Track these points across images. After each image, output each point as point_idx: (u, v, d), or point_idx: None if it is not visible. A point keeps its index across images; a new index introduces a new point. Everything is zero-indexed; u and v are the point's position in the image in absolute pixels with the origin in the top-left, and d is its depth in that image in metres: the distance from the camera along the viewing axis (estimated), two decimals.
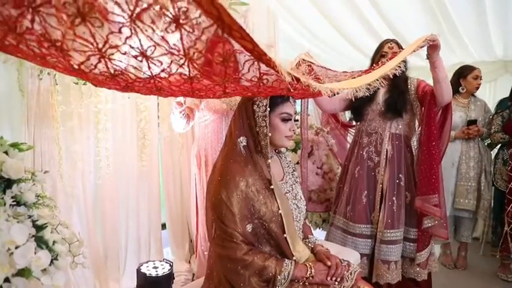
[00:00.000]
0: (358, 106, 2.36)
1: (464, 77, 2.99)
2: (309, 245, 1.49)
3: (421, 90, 2.22)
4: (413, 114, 2.31)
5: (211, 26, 0.54)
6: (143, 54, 0.64)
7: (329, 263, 1.32)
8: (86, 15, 0.49)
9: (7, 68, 1.75)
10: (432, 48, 1.90)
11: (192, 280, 2.46)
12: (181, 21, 0.52)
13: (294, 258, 1.33)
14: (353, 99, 2.33)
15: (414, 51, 1.65)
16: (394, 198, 2.23)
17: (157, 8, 0.50)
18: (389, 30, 3.67)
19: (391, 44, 2.24)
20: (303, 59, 2.22)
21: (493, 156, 3.26)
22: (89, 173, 2.13)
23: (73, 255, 1.36)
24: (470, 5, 3.21)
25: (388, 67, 1.41)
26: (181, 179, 2.72)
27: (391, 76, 2.16)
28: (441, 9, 3.31)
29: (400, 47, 2.24)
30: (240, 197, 1.26)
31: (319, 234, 2.79)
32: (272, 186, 1.33)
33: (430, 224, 2.18)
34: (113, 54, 0.65)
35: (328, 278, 1.29)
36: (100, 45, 0.60)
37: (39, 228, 1.21)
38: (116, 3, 0.50)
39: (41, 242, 1.20)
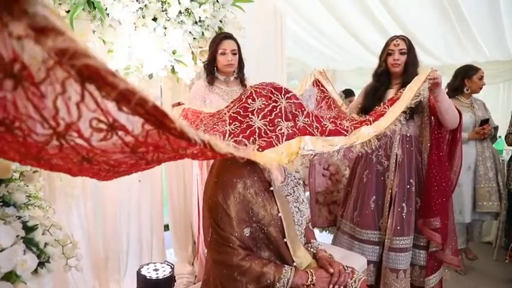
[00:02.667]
0: (367, 107, 2.28)
1: (470, 78, 2.89)
2: (311, 250, 1.42)
3: (432, 103, 2.14)
4: (424, 115, 2.21)
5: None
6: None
7: (331, 270, 1.25)
8: (92, 159, 0.52)
9: None
10: (434, 85, 1.83)
11: (194, 283, 2.41)
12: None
13: (295, 264, 1.27)
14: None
15: (417, 95, 1.56)
16: (403, 204, 2.14)
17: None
18: (399, 28, 3.58)
19: (396, 41, 2.16)
20: (318, 80, 2.18)
21: (506, 159, 3.16)
22: None
23: (66, 258, 1.32)
24: (484, 2, 3.11)
25: (390, 119, 1.34)
26: (185, 179, 2.68)
27: (401, 73, 2.15)
28: (453, 6, 3.22)
29: (407, 43, 2.15)
30: (237, 199, 1.20)
31: (325, 238, 2.73)
32: (272, 188, 1.27)
33: (434, 249, 2.12)
34: (120, 168, 0.68)
35: (330, 286, 1.22)
36: (107, 168, 0.64)
37: (29, 229, 1.17)
38: (124, 152, 0.53)
39: (31, 244, 1.15)
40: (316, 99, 2.21)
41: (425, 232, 2.11)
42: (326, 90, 2.17)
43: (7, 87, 0.39)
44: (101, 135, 0.47)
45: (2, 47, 0.36)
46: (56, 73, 0.39)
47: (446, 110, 1.99)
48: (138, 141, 0.49)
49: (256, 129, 1.12)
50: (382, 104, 1.53)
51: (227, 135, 1.11)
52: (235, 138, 1.09)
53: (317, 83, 2.20)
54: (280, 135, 1.12)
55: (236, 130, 1.14)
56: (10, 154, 0.51)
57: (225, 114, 1.23)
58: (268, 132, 1.13)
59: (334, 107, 2.15)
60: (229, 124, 1.16)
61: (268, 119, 1.15)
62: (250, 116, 1.16)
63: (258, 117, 1.15)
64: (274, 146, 1.09)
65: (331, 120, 1.28)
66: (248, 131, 1.12)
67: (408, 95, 1.52)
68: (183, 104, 1.87)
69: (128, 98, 0.42)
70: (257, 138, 1.11)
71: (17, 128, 0.45)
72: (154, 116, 0.46)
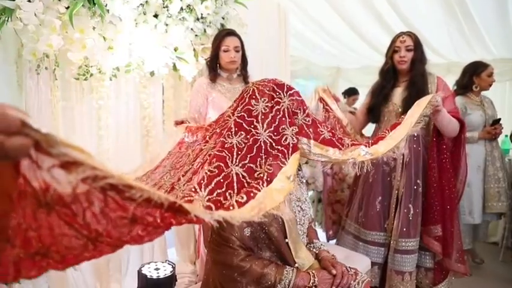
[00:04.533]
0: (373, 106, 2.24)
1: (478, 75, 2.83)
2: (314, 250, 1.39)
3: None
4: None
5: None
6: None
7: (334, 272, 1.22)
8: (123, 246, 0.57)
9: (6, 59, 1.70)
10: (435, 111, 1.82)
11: (196, 283, 2.39)
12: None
13: (296, 265, 1.25)
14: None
15: (419, 121, 1.53)
16: (410, 205, 2.10)
17: None
18: (404, 26, 3.54)
19: (403, 38, 2.11)
20: (322, 98, 2.14)
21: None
22: None
23: None
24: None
25: (389, 144, 1.31)
26: None
27: (407, 70, 2.11)
28: (459, 3, 3.17)
29: (414, 40, 2.11)
30: None
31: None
32: None
33: (440, 257, 2.10)
34: None
35: None
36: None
37: None
38: (149, 234, 0.59)
39: None
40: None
41: (424, 240, 2.09)
42: (331, 109, 2.13)
43: (42, 216, 0.46)
44: (125, 230, 0.53)
45: (35, 181, 0.42)
46: (81, 188, 0.45)
47: (446, 126, 1.99)
48: (158, 225, 0.56)
49: (262, 143, 1.13)
50: (385, 130, 1.48)
51: (235, 155, 1.09)
52: (243, 162, 1.08)
53: (321, 101, 2.17)
54: (285, 149, 1.13)
55: (242, 144, 1.12)
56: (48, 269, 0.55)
57: (229, 117, 1.21)
58: (274, 145, 1.14)
59: (339, 127, 2.11)
60: (235, 134, 1.14)
61: (273, 127, 1.16)
62: (255, 123, 1.16)
63: (263, 126, 1.15)
64: (281, 167, 1.09)
65: (329, 129, 1.26)
66: (254, 149, 1.11)
67: (409, 121, 1.49)
68: (186, 121, 1.83)
69: (148, 201, 0.50)
70: (264, 159, 1.10)
71: (53, 251, 0.50)
72: (172, 208, 0.54)
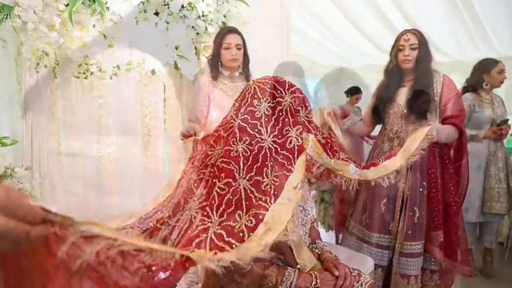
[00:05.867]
0: (378, 107, 2.21)
1: (488, 72, 2.78)
2: (316, 251, 1.36)
3: (443, 106, 2.07)
4: (436, 115, 2.13)
5: None
6: None
7: (337, 273, 1.19)
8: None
9: (6, 57, 1.69)
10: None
11: (197, 283, 2.37)
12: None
13: (298, 266, 1.22)
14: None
15: (413, 155, 1.49)
16: (415, 208, 2.06)
17: None
18: (407, 23, 3.50)
19: (407, 36, 2.07)
20: (325, 121, 2.11)
21: None
22: (90, 169, 2.06)
23: None
24: None
25: (379, 172, 1.31)
26: None
27: (412, 69, 2.08)
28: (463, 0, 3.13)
29: (418, 38, 2.07)
30: None
31: (331, 238, 2.67)
32: None
33: (444, 263, 2.08)
34: None
35: None
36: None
37: None
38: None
39: None
40: None
41: (425, 246, 2.07)
42: (334, 134, 2.09)
43: (76, 282, 0.51)
44: (149, 278, 0.57)
45: (63, 254, 0.49)
46: (101, 254, 0.51)
47: (445, 140, 2.04)
48: (174, 269, 0.59)
49: (267, 150, 1.11)
50: (381, 158, 1.46)
51: (241, 165, 1.09)
52: (250, 175, 1.07)
53: (324, 123, 2.13)
54: (291, 154, 1.12)
55: (248, 152, 1.11)
56: None
57: (233, 120, 1.20)
58: (279, 149, 1.12)
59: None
60: (240, 140, 1.13)
61: (276, 131, 1.14)
62: (258, 126, 1.14)
63: (267, 130, 1.14)
64: (287, 176, 1.08)
65: (324, 135, 1.24)
66: (260, 158, 1.10)
67: (405, 154, 1.46)
68: (194, 134, 1.79)
69: (158, 257, 0.56)
70: (270, 167, 1.09)
71: None
72: (181, 258, 0.59)
